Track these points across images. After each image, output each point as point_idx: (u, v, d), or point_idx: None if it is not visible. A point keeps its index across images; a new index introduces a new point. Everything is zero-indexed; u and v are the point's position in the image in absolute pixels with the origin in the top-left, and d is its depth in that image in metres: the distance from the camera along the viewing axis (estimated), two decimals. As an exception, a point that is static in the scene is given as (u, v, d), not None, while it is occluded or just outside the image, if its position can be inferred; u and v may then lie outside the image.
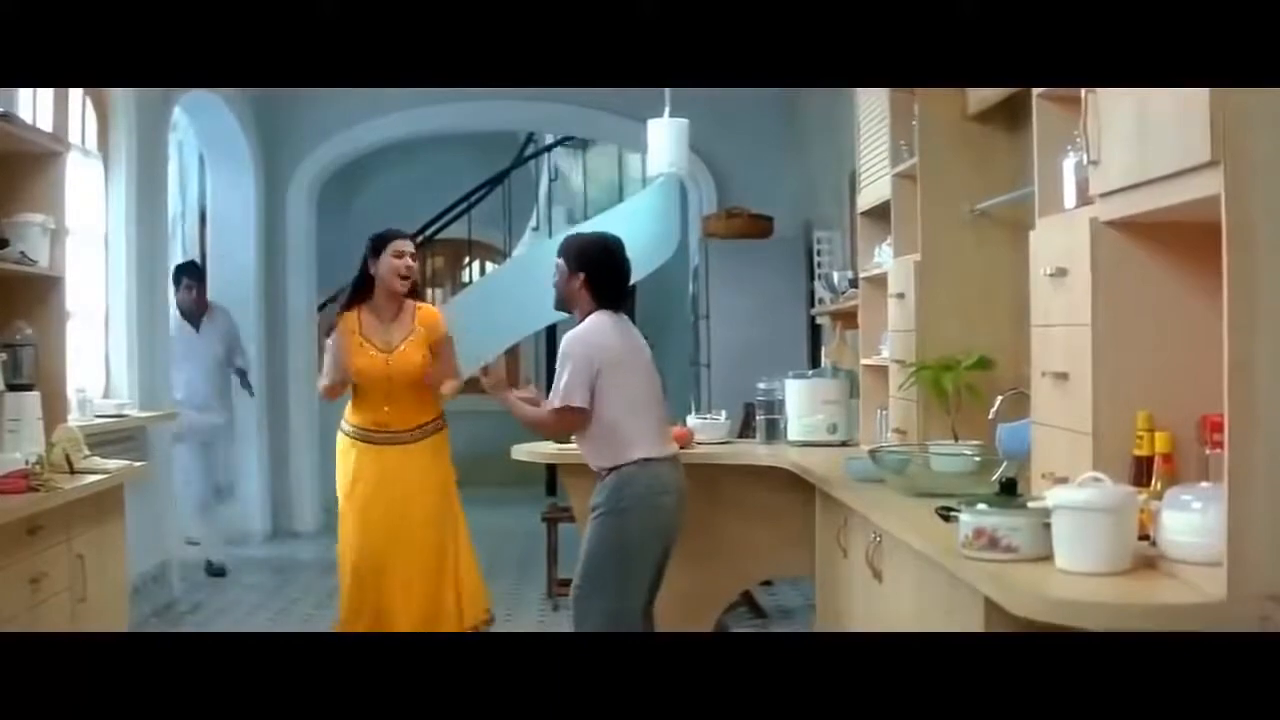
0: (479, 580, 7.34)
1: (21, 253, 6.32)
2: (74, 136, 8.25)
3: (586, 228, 11.50)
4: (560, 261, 6.25)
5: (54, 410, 6.52)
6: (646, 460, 6.06)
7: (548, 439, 7.13)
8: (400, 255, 7.13)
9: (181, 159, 12.24)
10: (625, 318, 6.27)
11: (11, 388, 6.26)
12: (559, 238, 7.89)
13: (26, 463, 5.85)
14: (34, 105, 7.28)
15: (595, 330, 6.11)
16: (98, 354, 8.94)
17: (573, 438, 6.34)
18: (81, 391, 8.04)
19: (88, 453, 6.45)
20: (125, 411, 8.70)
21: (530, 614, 9.44)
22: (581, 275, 6.17)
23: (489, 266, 18.46)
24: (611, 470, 6.08)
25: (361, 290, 7.20)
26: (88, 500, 6.06)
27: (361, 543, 7.12)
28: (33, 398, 6.31)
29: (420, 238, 13.94)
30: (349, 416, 7.26)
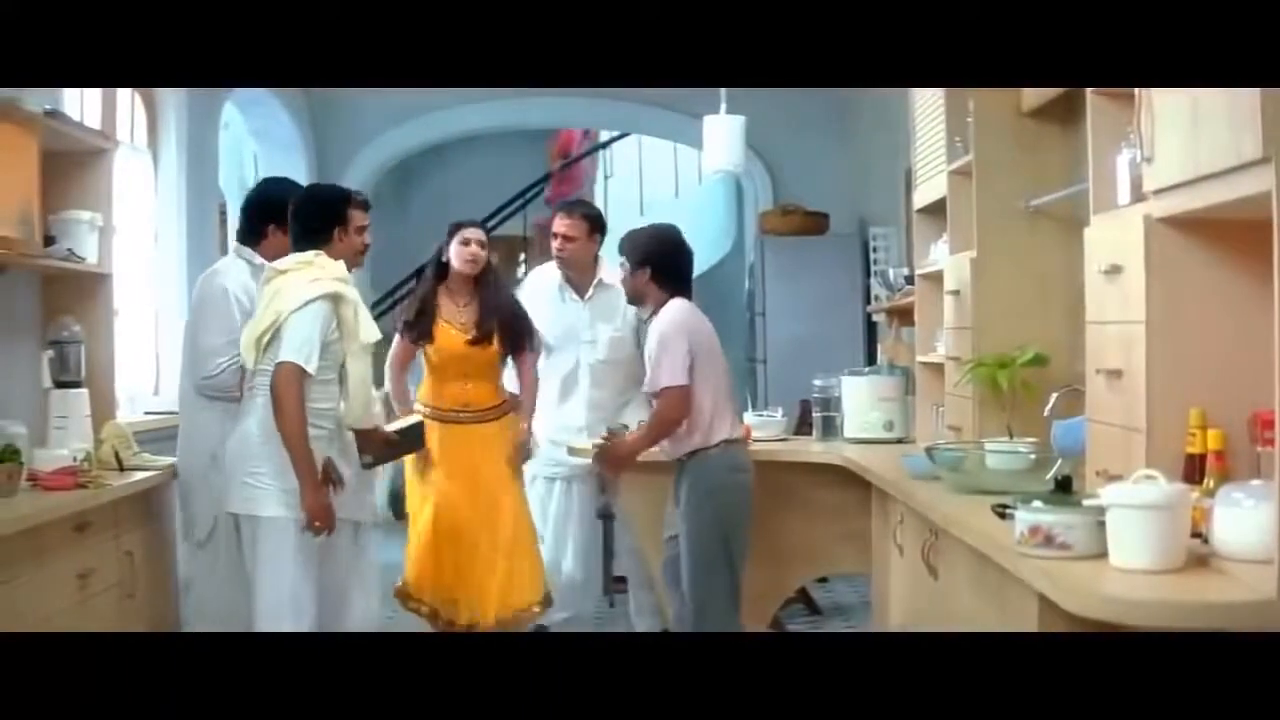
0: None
1: (69, 250, 6.33)
2: (123, 132, 8.25)
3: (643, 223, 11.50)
4: (622, 260, 6.35)
5: (102, 407, 6.56)
6: (729, 442, 6.22)
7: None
8: (467, 243, 7.27)
9: (240, 155, 12.20)
10: (695, 305, 6.38)
11: (59, 385, 6.28)
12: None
13: (74, 460, 5.86)
14: (82, 102, 7.27)
15: (683, 315, 6.23)
16: (147, 351, 8.93)
17: None
18: (130, 389, 8.03)
19: (137, 450, 6.46)
20: (175, 409, 8.68)
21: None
22: (646, 270, 6.29)
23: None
24: (693, 454, 6.18)
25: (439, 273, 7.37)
26: (137, 497, 6.11)
27: (438, 514, 7.20)
28: (80, 395, 6.32)
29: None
30: (424, 397, 7.37)
